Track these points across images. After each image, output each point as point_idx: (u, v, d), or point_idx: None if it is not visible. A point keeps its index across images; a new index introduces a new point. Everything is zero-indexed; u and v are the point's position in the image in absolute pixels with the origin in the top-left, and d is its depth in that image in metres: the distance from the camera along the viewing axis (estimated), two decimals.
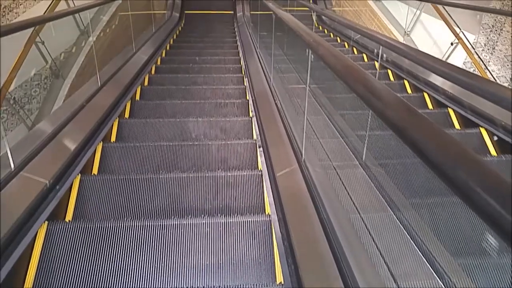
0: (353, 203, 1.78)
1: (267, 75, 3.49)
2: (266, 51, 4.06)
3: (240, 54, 5.44)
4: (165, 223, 1.83)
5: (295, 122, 2.34)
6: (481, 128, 2.73)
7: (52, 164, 2.08)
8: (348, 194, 1.83)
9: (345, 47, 5.76)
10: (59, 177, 2.05)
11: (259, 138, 2.61)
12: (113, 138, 2.84)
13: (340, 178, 1.94)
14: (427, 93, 3.35)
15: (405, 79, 3.86)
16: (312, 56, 1.72)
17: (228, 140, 2.71)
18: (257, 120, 2.85)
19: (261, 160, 2.40)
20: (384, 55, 3.83)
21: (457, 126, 2.94)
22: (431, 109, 3.21)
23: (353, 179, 1.97)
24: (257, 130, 2.79)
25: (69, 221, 1.96)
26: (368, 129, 2.05)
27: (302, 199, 1.73)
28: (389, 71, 4.16)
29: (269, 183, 2.06)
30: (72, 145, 2.32)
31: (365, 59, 4.96)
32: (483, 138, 2.66)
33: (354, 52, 5.25)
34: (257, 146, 2.55)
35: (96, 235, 1.77)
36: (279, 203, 1.79)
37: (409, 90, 3.73)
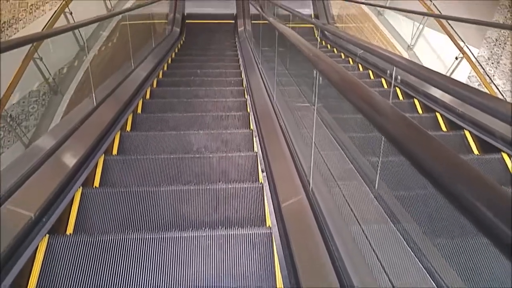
0: (366, 238, 1.62)
1: (270, 93, 3.36)
2: (269, 67, 3.95)
3: (241, 68, 5.34)
4: (166, 236, 1.82)
5: (301, 145, 2.19)
6: (503, 154, 2.43)
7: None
8: (361, 227, 1.68)
9: (349, 63, 5.58)
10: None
11: (263, 164, 2.46)
12: (114, 151, 2.84)
13: (351, 209, 1.79)
14: (440, 113, 3.10)
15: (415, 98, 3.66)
16: (321, 78, 1.58)
17: (229, 153, 2.73)
18: (260, 142, 2.70)
19: (265, 187, 2.24)
20: (399, 77, 3.63)
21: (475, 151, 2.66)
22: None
23: (365, 211, 1.82)
24: (260, 152, 2.64)
25: (70, 234, 1.95)
26: (381, 155, 1.90)
27: (311, 236, 1.58)
28: (398, 89, 3.99)
29: (274, 216, 1.91)
30: (70, 162, 2.29)
31: (371, 76, 4.77)
32: (506, 165, 2.37)
33: (359, 69, 5.11)
34: (260, 170, 2.40)
35: (97, 249, 1.76)
36: (287, 244, 1.64)
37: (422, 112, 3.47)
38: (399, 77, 3.56)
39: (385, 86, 4.21)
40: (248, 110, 3.50)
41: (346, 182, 2.04)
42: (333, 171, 2.02)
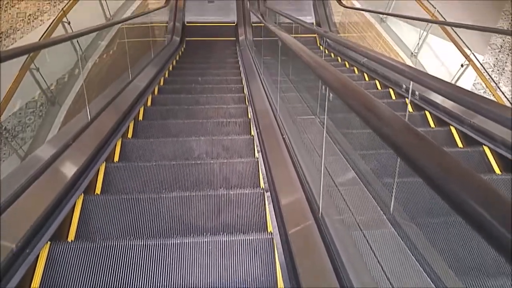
0: (381, 268, 1.47)
1: (272, 103, 3.22)
2: (271, 78, 3.80)
3: (243, 78, 5.21)
4: (168, 242, 1.82)
5: (308, 164, 2.04)
6: None
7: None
8: (375, 255, 1.53)
9: (354, 72, 5.38)
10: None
11: (266, 183, 2.30)
12: (116, 158, 2.84)
13: (364, 235, 1.64)
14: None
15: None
16: (331, 94, 1.44)
17: (230, 159, 2.73)
18: (263, 160, 2.54)
19: (269, 209, 2.08)
20: (417, 93, 3.43)
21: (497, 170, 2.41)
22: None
23: (379, 238, 1.67)
24: (263, 170, 2.49)
25: (71, 241, 1.94)
26: (396, 175, 1.75)
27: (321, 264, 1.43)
28: (406, 100, 3.79)
29: (280, 245, 1.76)
30: (72, 170, 2.29)
31: (379, 86, 4.56)
32: None
33: (365, 78, 4.94)
34: (265, 194, 2.26)
35: (99, 255, 1.75)
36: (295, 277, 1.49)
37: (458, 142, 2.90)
38: (417, 93, 3.36)
39: (393, 97, 4.03)
40: (251, 128, 3.36)
41: (357, 204, 1.89)
42: (342, 192, 1.87)
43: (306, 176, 1.88)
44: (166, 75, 5.48)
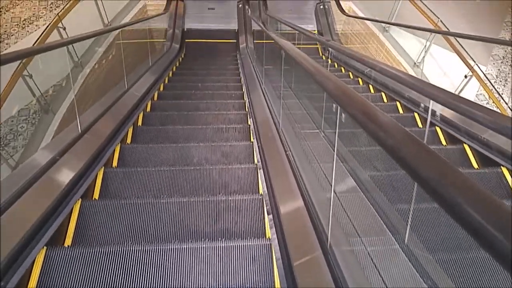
0: None
1: (275, 117, 3.06)
2: (274, 88, 3.63)
3: (243, 86, 5.05)
4: (166, 248, 1.80)
5: (314, 186, 1.87)
6: None
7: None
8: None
9: (359, 84, 5.18)
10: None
11: (269, 205, 2.13)
12: (114, 163, 2.81)
13: (376, 267, 1.47)
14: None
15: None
16: (343, 115, 1.28)
17: (230, 165, 2.71)
18: (266, 181, 2.36)
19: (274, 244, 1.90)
20: (438, 112, 3.10)
21: None
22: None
23: (394, 270, 1.50)
24: (265, 188, 2.32)
25: (68, 246, 1.92)
26: (413, 202, 1.59)
27: None
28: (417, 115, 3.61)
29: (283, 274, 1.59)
30: (69, 175, 2.26)
31: (384, 99, 4.38)
32: None
33: (370, 91, 4.76)
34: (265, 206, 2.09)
35: (96, 260, 1.73)
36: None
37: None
38: (438, 113, 3.10)
39: (401, 111, 3.85)
40: (252, 139, 3.19)
41: (368, 232, 1.72)
42: (351, 219, 1.70)
43: (314, 205, 1.71)
44: (161, 89, 5.14)
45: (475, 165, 2.57)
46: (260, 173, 2.55)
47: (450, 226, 1.53)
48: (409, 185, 1.72)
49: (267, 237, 1.99)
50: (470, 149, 2.62)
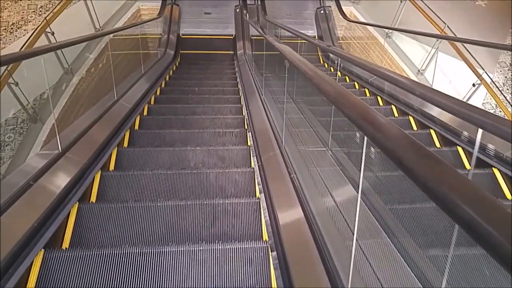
0: None
1: (276, 133, 2.77)
2: (276, 104, 3.31)
3: (242, 98, 4.76)
4: (163, 250, 1.79)
5: (323, 218, 1.59)
6: None
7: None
8: None
9: (366, 95, 4.77)
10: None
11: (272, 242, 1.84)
12: (111, 167, 2.81)
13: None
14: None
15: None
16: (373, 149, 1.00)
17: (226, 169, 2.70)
18: (268, 208, 2.08)
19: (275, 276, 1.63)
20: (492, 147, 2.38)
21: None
22: None
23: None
24: (267, 217, 2.04)
25: (66, 248, 1.91)
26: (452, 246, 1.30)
27: None
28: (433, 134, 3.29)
29: None
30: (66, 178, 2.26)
31: (395, 113, 4.03)
32: None
33: (379, 103, 4.44)
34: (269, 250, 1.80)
35: (94, 262, 1.73)
36: None
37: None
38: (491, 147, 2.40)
39: (415, 127, 3.53)
40: (252, 163, 2.89)
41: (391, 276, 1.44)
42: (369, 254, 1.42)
43: (320, 230, 1.42)
44: (152, 101, 4.74)
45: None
46: (261, 196, 2.27)
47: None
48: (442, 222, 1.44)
49: (264, 239, 1.98)
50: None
